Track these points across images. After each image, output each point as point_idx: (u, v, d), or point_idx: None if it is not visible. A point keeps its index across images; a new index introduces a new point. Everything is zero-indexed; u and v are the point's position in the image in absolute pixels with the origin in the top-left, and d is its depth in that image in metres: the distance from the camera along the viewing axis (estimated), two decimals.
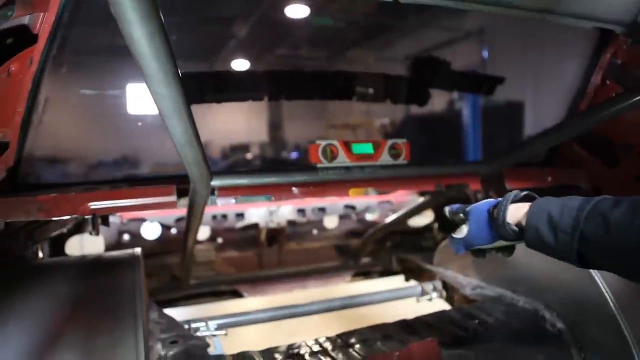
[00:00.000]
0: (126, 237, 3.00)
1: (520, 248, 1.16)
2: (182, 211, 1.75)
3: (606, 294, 1.75)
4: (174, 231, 3.12)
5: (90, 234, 2.15)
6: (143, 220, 2.94)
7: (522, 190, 1.11)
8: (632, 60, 1.90)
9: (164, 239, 3.04)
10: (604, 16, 1.61)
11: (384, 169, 1.79)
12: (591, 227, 0.89)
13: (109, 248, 2.87)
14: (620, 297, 1.72)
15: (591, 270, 1.75)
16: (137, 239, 2.94)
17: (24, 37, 1.15)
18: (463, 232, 1.20)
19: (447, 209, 1.28)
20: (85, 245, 2.69)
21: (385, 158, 1.79)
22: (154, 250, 3.00)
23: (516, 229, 1.05)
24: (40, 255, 2.04)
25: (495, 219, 1.10)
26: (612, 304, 1.73)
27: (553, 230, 0.96)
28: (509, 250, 1.18)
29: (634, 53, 1.88)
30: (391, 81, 2.03)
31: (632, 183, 2.03)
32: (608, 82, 2.01)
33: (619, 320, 1.70)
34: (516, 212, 1.06)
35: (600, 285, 1.74)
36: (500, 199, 1.12)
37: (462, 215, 1.22)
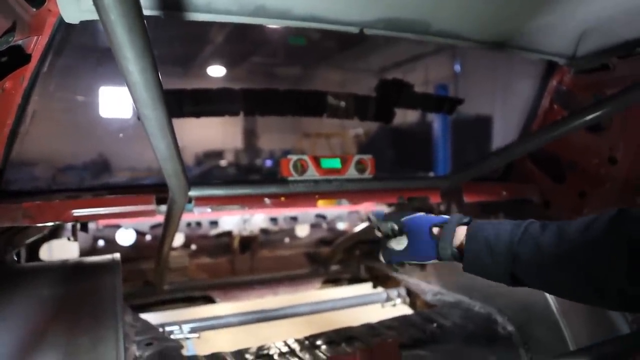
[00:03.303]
0: (101, 242, 3.04)
1: None
2: (157, 218, 1.83)
3: (550, 300, 1.93)
4: (147, 237, 3.17)
5: (69, 239, 2.23)
6: (118, 226, 3.00)
7: (465, 216, 1.15)
8: (576, 88, 2.11)
9: (138, 245, 3.09)
10: (547, 49, 1.81)
11: (350, 182, 1.92)
12: (523, 249, 0.98)
13: (83, 253, 2.91)
14: (562, 303, 1.90)
15: None
16: (111, 245, 2.99)
17: (18, 56, 1.24)
18: (402, 244, 1.19)
19: (371, 216, 1.26)
20: (60, 250, 2.73)
21: (352, 172, 1.92)
22: (127, 255, 3.05)
23: (456, 251, 1.11)
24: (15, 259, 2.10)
25: (436, 239, 1.14)
26: (555, 309, 1.91)
27: (490, 254, 1.03)
28: (424, 265, 1.23)
29: (578, 81, 2.08)
30: (358, 101, 2.18)
31: (576, 198, 2.22)
32: (555, 106, 2.21)
33: (561, 323, 1.88)
34: (457, 235, 1.12)
35: (546, 292, 1.92)
36: (439, 217, 1.18)
37: (394, 225, 1.20)
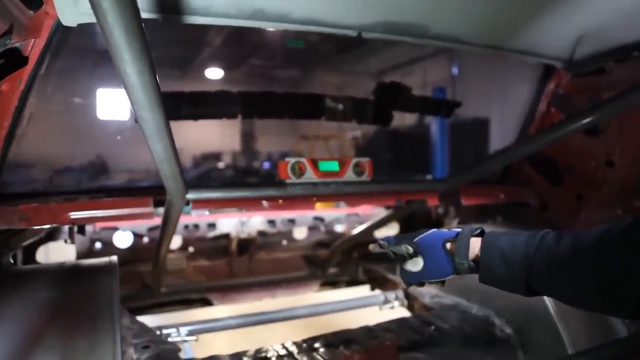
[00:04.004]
0: (98, 245, 3.03)
1: None
2: (154, 220, 1.83)
3: (548, 303, 1.93)
4: (145, 240, 3.16)
5: (65, 242, 2.22)
6: (115, 228, 2.98)
7: (476, 226, 1.14)
8: (573, 91, 2.11)
9: (135, 247, 3.08)
10: (545, 52, 1.81)
11: (348, 185, 1.92)
12: (539, 260, 0.98)
13: (80, 256, 2.89)
14: (560, 306, 1.90)
15: None
16: (108, 247, 2.98)
17: (16, 59, 1.24)
18: (418, 265, 1.16)
19: (380, 242, 1.24)
20: (57, 253, 2.72)
21: (350, 175, 1.92)
22: (124, 258, 3.03)
23: (473, 264, 1.08)
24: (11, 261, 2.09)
25: (451, 254, 1.12)
26: (553, 312, 1.91)
27: (505, 265, 1.02)
28: (443, 282, 1.19)
29: (575, 85, 2.09)
30: (356, 104, 2.18)
31: (574, 201, 2.23)
32: (552, 110, 2.22)
33: (559, 326, 1.88)
34: (472, 248, 1.10)
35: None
36: (451, 231, 1.16)
37: (408, 246, 1.18)
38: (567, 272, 0.95)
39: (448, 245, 1.14)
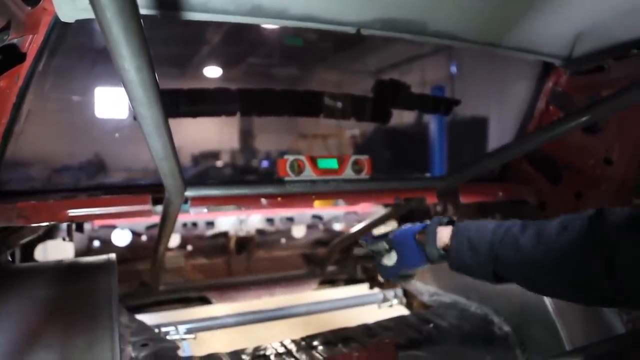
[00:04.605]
0: (96, 243, 3.03)
1: None
2: (153, 218, 1.83)
3: (546, 301, 1.93)
4: (143, 238, 3.16)
5: (64, 239, 2.22)
6: (114, 226, 2.98)
7: (445, 217, 1.22)
8: (572, 89, 2.11)
9: (134, 245, 3.08)
10: (543, 50, 1.81)
11: (347, 182, 1.92)
12: (504, 249, 1.02)
13: (78, 254, 2.89)
14: (558, 303, 1.91)
15: None
16: (107, 245, 2.98)
17: (13, 55, 1.24)
18: (392, 259, 1.26)
19: (362, 242, 1.34)
20: (55, 251, 2.71)
21: (349, 172, 1.92)
22: (123, 256, 3.03)
23: (442, 251, 1.16)
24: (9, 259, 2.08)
25: (422, 244, 1.20)
26: (551, 309, 1.91)
27: (472, 253, 1.08)
28: (411, 276, 1.30)
29: (574, 83, 2.09)
30: (355, 102, 2.17)
31: (572, 199, 2.23)
32: (551, 108, 2.22)
33: (557, 323, 1.89)
34: (440, 236, 1.17)
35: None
36: (422, 224, 1.23)
37: (384, 243, 1.27)
38: (531, 263, 0.98)
39: (419, 237, 1.21)
